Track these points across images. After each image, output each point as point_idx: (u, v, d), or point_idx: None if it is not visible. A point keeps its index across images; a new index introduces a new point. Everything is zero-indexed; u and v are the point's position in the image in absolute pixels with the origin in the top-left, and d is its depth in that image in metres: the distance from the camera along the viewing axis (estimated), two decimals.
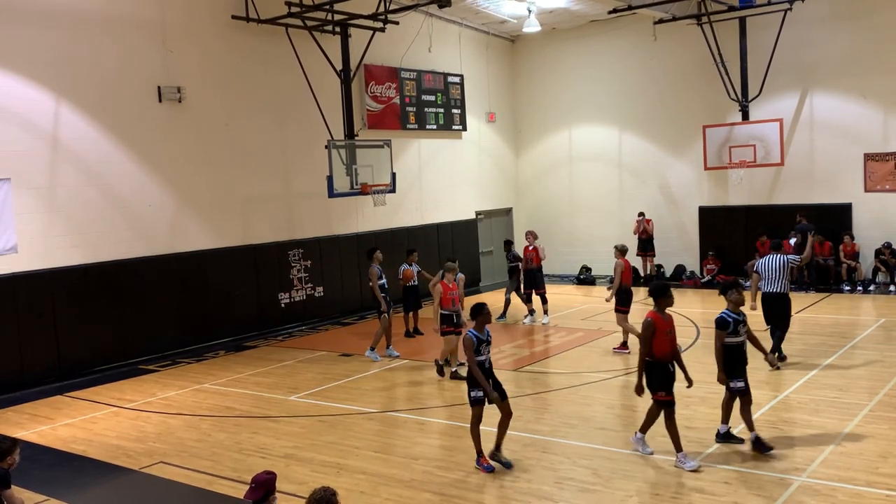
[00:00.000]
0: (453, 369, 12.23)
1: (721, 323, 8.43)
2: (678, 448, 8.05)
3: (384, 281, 14.00)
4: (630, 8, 19.00)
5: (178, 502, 8.33)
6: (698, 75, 20.54)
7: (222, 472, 8.73)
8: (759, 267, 12.42)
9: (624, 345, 13.39)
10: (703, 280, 20.64)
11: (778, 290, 11.98)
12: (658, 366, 8.18)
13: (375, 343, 14.01)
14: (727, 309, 8.51)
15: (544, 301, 16.53)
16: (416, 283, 15.65)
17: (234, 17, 16.10)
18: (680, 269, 21.42)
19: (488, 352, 8.36)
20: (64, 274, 13.88)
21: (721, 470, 7.92)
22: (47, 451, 9.85)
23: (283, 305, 17.46)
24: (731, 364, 8.40)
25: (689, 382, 8.30)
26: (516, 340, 15.24)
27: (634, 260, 21.65)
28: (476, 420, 8.31)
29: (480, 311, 8.38)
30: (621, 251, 13.63)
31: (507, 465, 8.31)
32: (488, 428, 8.41)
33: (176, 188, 15.64)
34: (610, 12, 19.85)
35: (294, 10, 15.61)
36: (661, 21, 20.28)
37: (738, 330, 8.44)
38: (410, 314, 15.89)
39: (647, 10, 19.20)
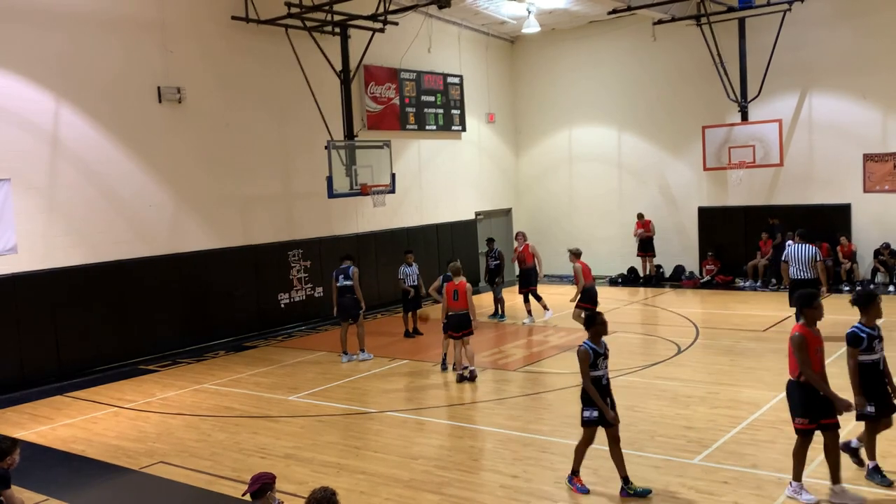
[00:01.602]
0: (459, 371, 12.20)
1: (853, 339, 7.31)
2: (835, 479, 7.04)
3: None
4: (630, 9, 19.01)
5: (178, 502, 8.33)
6: (698, 76, 20.56)
7: (222, 472, 8.73)
8: (789, 255, 13.27)
9: None
10: (702, 280, 20.65)
11: (808, 276, 12.93)
12: (803, 387, 7.05)
13: (363, 343, 14.03)
14: (860, 322, 7.40)
15: (538, 299, 16.59)
16: (417, 283, 15.67)
17: (233, 17, 16.11)
18: (679, 270, 21.44)
19: (606, 366, 7.53)
20: (64, 274, 13.89)
21: (721, 470, 7.92)
22: (47, 451, 9.86)
23: (283, 305, 17.47)
24: (863, 385, 7.34)
25: (841, 408, 7.03)
26: (516, 340, 15.25)
27: (634, 260, 21.81)
28: (586, 442, 7.59)
29: (595, 320, 7.52)
30: (575, 254, 13.83)
31: (644, 493, 7.40)
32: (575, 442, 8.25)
33: (176, 188, 15.65)
34: (609, 13, 19.86)
35: (294, 10, 15.61)
36: (660, 22, 20.29)
37: (874, 346, 7.31)
38: (410, 314, 15.89)
39: (646, 10, 19.21)
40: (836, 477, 7.03)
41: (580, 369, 7.45)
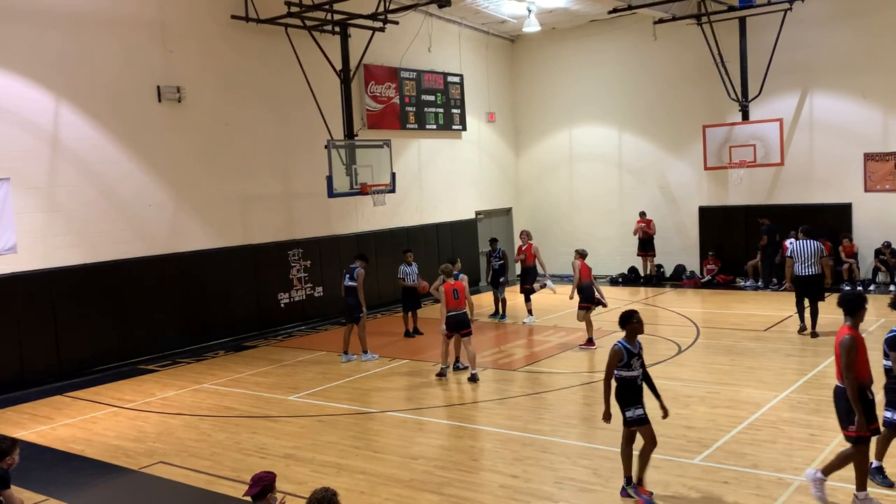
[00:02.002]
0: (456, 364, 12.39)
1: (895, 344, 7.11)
2: (860, 486, 6.80)
3: None
4: (630, 8, 19.00)
5: (178, 502, 8.33)
6: (698, 75, 20.54)
7: (222, 472, 8.72)
8: (793, 251, 13.88)
9: (590, 341, 13.64)
10: (702, 280, 20.63)
11: (814, 271, 13.67)
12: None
13: (365, 345, 14.03)
14: None
15: (527, 300, 16.62)
16: (416, 282, 15.66)
17: (233, 16, 16.10)
18: (680, 269, 21.42)
19: (641, 366, 7.29)
20: (64, 274, 13.88)
21: (721, 470, 7.91)
22: (47, 451, 9.85)
23: (282, 305, 17.46)
24: (893, 391, 7.23)
25: (860, 427, 6.75)
26: (516, 340, 15.24)
27: (634, 260, 21.80)
28: (626, 442, 7.38)
29: (630, 319, 7.27)
30: (581, 255, 13.93)
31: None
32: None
33: (176, 188, 15.64)
34: (610, 12, 19.85)
35: (294, 9, 15.60)
36: (661, 21, 20.28)
37: None
38: (410, 314, 15.88)
39: (647, 9, 19.20)
40: (861, 483, 6.81)
41: (606, 366, 7.25)
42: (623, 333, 7.34)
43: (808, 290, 13.77)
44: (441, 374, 12.41)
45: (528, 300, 16.81)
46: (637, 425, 7.26)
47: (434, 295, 13.69)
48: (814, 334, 13.56)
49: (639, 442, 7.37)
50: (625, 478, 7.43)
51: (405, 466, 8.56)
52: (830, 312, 15.99)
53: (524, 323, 16.53)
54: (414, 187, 20.75)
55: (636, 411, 7.21)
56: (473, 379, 11.97)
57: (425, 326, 15.85)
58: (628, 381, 7.24)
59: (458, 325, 12.16)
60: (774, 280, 19.11)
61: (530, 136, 24.22)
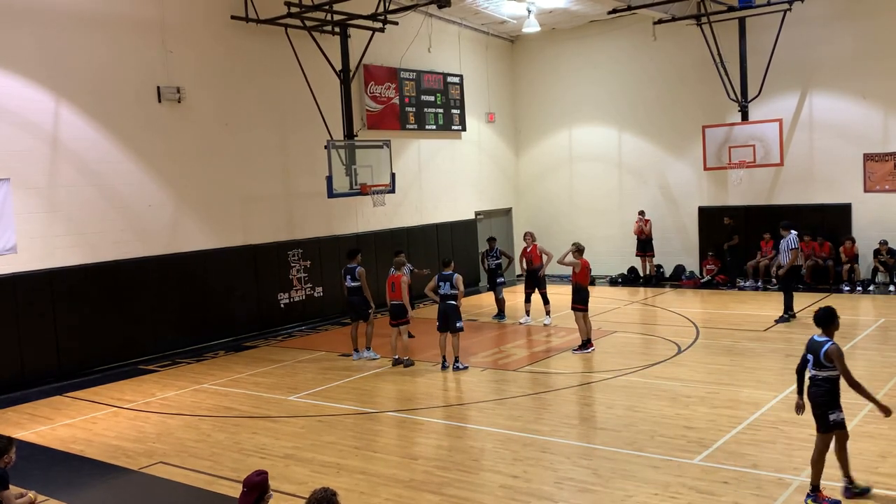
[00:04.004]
0: (394, 356, 13.42)
1: None
2: None
3: None
4: (630, 8, 19.00)
5: (178, 502, 8.32)
6: (698, 75, 20.55)
7: (222, 472, 8.72)
8: (785, 245, 15.00)
9: (587, 343, 13.55)
10: (702, 280, 20.63)
11: (800, 261, 15.52)
12: None
13: (369, 342, 14.08)
14: None
15: (546, 301, 16.49)
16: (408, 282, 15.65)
17: (233, 17, 16.10)
18: (680, 269, 21.42)
19: None
20: (64, 274, 13.88)
21: (721, 470, 7.91)
22: (46, 452, 9.85)
23: (282, 305, 17.46)
24: None
25: None
26: (517, 340, 15.24)
27: (633, 260, 21.81)
28: (825, 450, 6.96)
29: (837, 316, 7.03)
30: (579, 250, 14.10)
31: (866, 491, 7.08)
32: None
33: (176, 188, 15.64)
34: (609, 13, 19.85)
35: (293, 10, 15.60)
36: (660, 21, 20.28)
37: None
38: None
39: (646, 10, 19.20)
40: None
41: (841, 367, 6.87)
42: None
43: (798, 279, 15.60)
44: (444, 367, 13.05)
45: (528, 300, 16.73)
46: (838, 429, 6.99)
47: (430, 296, 13.70)
48: (791, 316, 15.17)
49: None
50: (811, 485, 7.03)
51: (405, 466, 8.56)
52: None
53: (520, 323, 16.39)
54: (414, 187, 20.75)
55: (840, 414, 6.97)
56: (399, 362, 13.27)
57: (416, 328, 15.42)
58: (836, 382, 6.98)
59: (394, 315, 13.39)
60: (774, 280, 19.01)
61: (530, 136, 24.23)
